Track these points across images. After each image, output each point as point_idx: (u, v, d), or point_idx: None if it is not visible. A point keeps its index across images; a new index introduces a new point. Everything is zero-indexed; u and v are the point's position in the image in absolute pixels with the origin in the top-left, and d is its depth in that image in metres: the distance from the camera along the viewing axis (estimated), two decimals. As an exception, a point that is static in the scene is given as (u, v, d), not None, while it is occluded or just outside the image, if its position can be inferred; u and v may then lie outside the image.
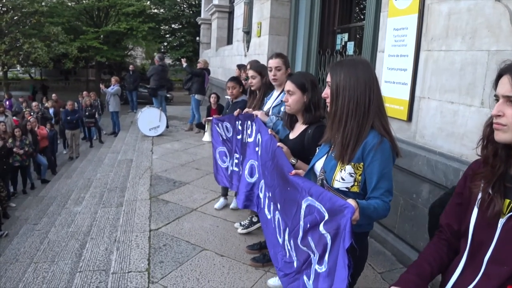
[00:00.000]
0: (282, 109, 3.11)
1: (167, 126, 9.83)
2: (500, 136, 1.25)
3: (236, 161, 3.85)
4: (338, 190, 1.84)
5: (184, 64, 9.92)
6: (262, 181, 2.73)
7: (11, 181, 9.41)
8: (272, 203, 2.26)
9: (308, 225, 1.77)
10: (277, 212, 2.16)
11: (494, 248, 1.26)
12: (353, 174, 1.83)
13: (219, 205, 4.77)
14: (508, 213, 1.24)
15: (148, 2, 27.67)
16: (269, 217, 2.41)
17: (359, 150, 1.80)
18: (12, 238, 6.79)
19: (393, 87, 3.81)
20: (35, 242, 6.07)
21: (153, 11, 28.62)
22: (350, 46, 5.79)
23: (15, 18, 21.85)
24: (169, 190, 5.42)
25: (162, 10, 28.20)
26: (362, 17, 6.35)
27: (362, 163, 1.81)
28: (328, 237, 1.64)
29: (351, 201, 1.55)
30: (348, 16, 6.45)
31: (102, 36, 25.75)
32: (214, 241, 3.97)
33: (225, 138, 4.06)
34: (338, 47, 6.20)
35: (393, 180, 1.85)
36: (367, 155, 1.79)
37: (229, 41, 13.85)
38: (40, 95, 23.93)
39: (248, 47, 9.48)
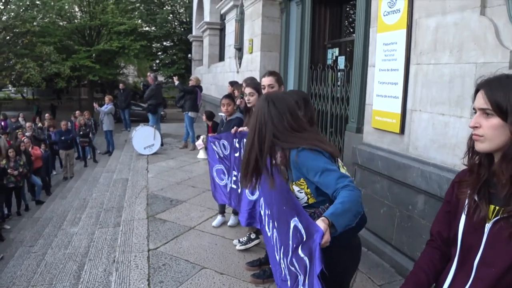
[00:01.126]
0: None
1: (162, 144, 9.84)
2: (479, 146, 1.33)
3: (234, 178, 3.88)
4: (304, 207, 1.95)
5: (176, 82, 10.01)
6: (262, 198, 2.76)
7: (5, 203, 9.33)
8: (271, 220, 2.28)
9: (294, 246, 1.77)
10: (275, 230, 2.18)
11: (482, 252, 1.31)
12: (301, 191, 2.01)
13: (216, 222, 4.77)
14: (493, 218, 1.30)
15: (140, 21, 27.80)
16: (269, 234, 2.43)
17: (293, 170, 1.99)
18: (8, 261, 6.70)
19: (385, 100, 3.88)
20: (32, 264, 6.00)
21: (144, 29, 28.77)
22: (341, 61, 5.90)
23: (7, 38, 21.87)
24: (166, 209, 5.42)
25: (153, 28, 28.36)
26: (351, 30, 6.47)
27: (302, 179, 1.98)
28: (307, 260, 1.62)
29: (320, 223, 1.51)
30: (338, 31, 6.57)
31: (94, 55, 25.74)
32: (213, 259, 3.98)
33: (222, 156, 4.08)
34: (329, 61, 6.31)
35: (335, 170, 1.87)
36: (300, 170, 1.95)
37: (221, 57, 13.95)
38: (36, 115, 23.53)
39: (240, 64, 9.57)
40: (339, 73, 5.75)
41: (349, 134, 4.90)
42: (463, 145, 2.93)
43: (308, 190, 2.00)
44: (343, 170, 2.14)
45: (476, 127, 1.31)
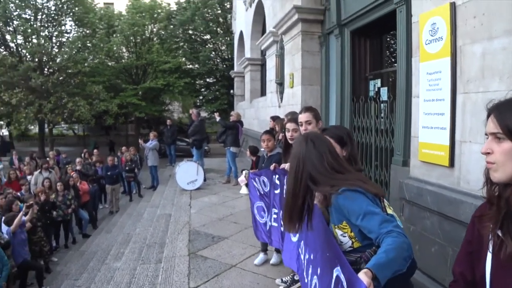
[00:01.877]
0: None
1: (205, 179, 9.92)
2: (493, 176, 1.24)
3: (275, 216, 3.79)
4: (347, 252, 1.86)
5: (218, 118, 10.17)
6: (302, 241, 2.61)
7: (54, 236, 9.61)
8: (311, 266, 2.13)
9: None
10: (315, 277, 2.03)
11: None
12: (344, 235, 1.89)
13: (259, 260, 4.64)
14: None
15: (183, 59, 28.83)
16: (306, 280, 2.27)
17: (335, 213, 1.89)
18: (54, 294, 6.84)
19: (431, 132, 3.71)
20: (76, 299, 6.09)
21: (188, 67, 29.74)
22: (384, 92, 5.76)
23: (60, 78, 23.26)
24: (208, 246, 5.37)
25: (196, 66, 29.18)
26: (393, 60, 6.35)
27: (344, 222, 1.86)
28: None
29: (363, 277, 1.39)
30: (379, 62, 6.47)
31: (140, 92, 26.81)
32: (254, 298, 3.85)
33: (262, 192, 4.02)
34: (371, 93, 6.18)
35: (379, 213, 1.74)
36: (342, 212, 1.84)
37: (263, 92, 14.12)
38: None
39: (281, 98, 9.60)
40: (382, 105, 5.61)
41: (395, 167, 4.71)
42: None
43: (352, 234, 1.87)
44: (389, 211, 1.99)
45: (488, 153, 1.24)
